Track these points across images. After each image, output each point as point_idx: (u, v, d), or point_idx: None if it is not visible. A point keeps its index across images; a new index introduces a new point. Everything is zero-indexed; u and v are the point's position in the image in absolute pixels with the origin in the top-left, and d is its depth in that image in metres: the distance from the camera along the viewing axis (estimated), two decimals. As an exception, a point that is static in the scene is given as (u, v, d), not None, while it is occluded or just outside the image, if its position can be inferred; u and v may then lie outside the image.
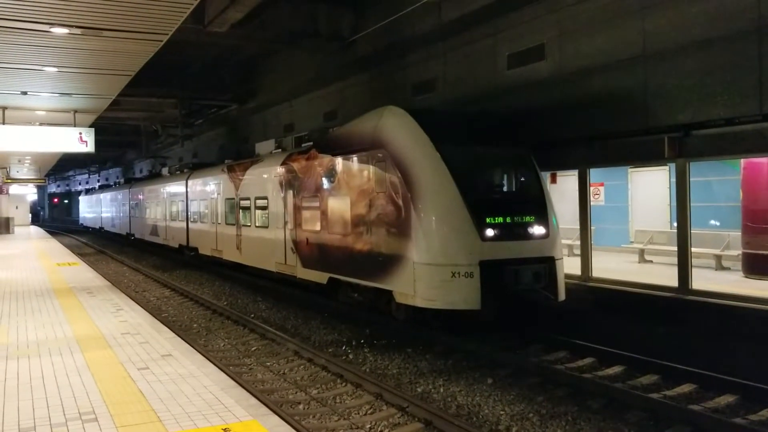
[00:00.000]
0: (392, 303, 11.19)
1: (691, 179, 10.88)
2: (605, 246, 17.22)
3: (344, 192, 12.16)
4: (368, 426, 7.25)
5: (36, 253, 23.04)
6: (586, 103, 12.10)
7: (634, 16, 11.21)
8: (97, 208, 48.49)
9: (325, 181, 13.02)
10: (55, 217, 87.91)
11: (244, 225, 17.92)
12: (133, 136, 43.33)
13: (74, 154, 18.71)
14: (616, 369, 9.24)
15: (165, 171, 30.56)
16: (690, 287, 10.77)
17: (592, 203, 13.12)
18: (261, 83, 26.73)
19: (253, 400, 5.95)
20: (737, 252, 13.67)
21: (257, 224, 16.98)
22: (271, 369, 9.75)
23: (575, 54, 12.37)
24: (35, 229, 45.51)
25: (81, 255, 27.07)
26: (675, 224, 11.60)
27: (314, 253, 13.50)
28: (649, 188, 17.96)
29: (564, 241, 13.44)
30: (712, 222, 15.84)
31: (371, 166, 11.25)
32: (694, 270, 11.00)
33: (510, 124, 12.11)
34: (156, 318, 10.84)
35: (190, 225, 23.52)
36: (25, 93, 13.44)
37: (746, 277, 12.96)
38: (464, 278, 9.79)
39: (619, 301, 11.57)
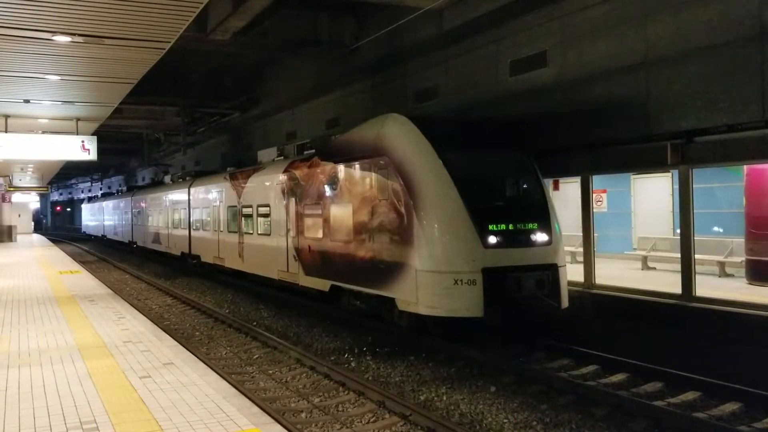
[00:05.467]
0: (395, 310, 11.16)
1: (694, 186, 10.85)
2: (608, 253, 17.18)
3: (346, 199, 12.15)
4: (371, 434, 7.22)
5: (38, 261, 23.04)
6: (589, 109, 12.08)
7: (636, 23, 11.21)
8: (100, 216, 48.55)
9: (327, 188, 13.01)
10: (58, 225, 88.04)
11: (246, 233, 17.91)
12: (135, 144, 43.41)
13: (77, 162, 18.76)
14: (619, 376, 9.21)
15: (167, 179, 30.57)
16: (693, 294, 10.72)
17: (594, 210, 13.09)
18: (263, 91, 26.79)
19: (256, 409, 5.91)
20: (740, 259, 13.62)
21: (259, 232, 16.97)
22: (274, 377, 9.72)
23: (577, 61, 12.37)
24: (38, 237, 45.55)
25: (83, 263, 27.07)
26: (678, 231, 11.56)
27: (316, 260, 13.48)
28: (651, 195, 17.93)
29: (567, 248, 13.39)
30: (715, 229, 15.79)
31: (373, 174, 11.24)
32: (697, 277, 10.96)
33: (512, 130, 12.10)
34: (158, 326, 10.82)
35: (193, 233, 23.52)
36: (27, 101, 13.46)
37: (750, 283, 12.90)
38: (467, 286, 9.76)
39: (623, 308, 11.52)
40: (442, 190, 10.20)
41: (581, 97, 12.25)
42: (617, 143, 11.77)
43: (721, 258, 14.33)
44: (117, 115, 22.59)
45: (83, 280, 16.96)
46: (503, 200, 11.06)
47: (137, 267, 27.49)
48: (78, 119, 15.95)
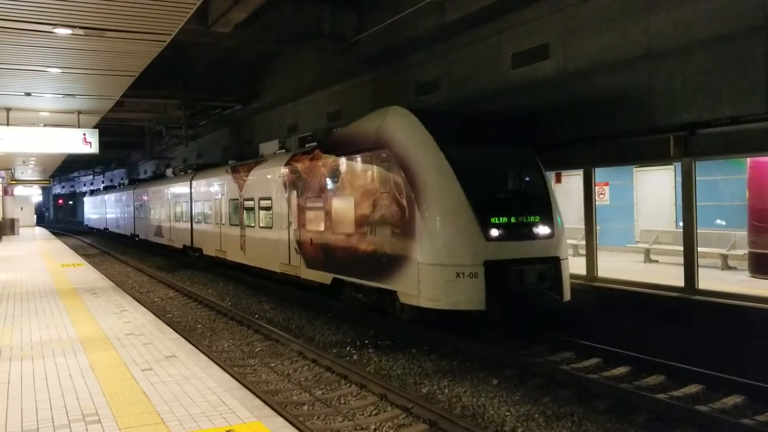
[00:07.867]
0: (396, 303, 11.16)
1: (696, 178, 10.82)
2: (610, 246, 17.16)
3: (348, 192, 12.13)
4: (373, 427, 7.22)
5: (41, 254, 23.08)
6: (591, 102, 12.04)
7: (639, 15, 11.15)
8: (102, 209, 48.61)
9: (328, 181, 12.99)
10: (60, 218, 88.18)
11: (248, 226, 17.92)
12: (137, 137, 43.36)
13: (78, 155, 18.74)
14: (622, 369, 9.19)
15: (169, 172, 30.59)
16: (696, 287, 10.70)
17: (597, 203, 13.06)
18: (265, 84, 26.72)
19: (257, 402, 5.92)
20: (743, 251, 13.60)
21: (261, 225, 16.97)
22: (276, 370, 9.73)
23: (580, 53, 12.32)
24: (40, 230, 45.63)
25: (85, 256, 27.11)
26: (680, 224, 11.54)
27: (318, 253, 13.47)
28: (654, 188, 17.90)
29: (569, 241, 13.38)
30: (718, 221, 15.76)
31: (375, 167, 11.22)
32: (700, 270, 10.94)
33: (514, 123, 12.06)
34: (160, 319, 10.83)
35: (195, 226, 23.54)
36: (28, 94, 13.44)
37: (752, 276, 12.88)
38: (469, 278, 9.75)
39: (625, 301, 11.51)
40: (444, 183, 10.17)
41: (583, 90, 12.20)
42: (620, 136, 11.73)
43: (723, 251, 14.31)
44: (118, 108, 22.56)
45: (85, 272, 16.99)
46: (505, 193, 11.03)
47: (139, 260, 27.51)
48: (79, 112, 15.93)
